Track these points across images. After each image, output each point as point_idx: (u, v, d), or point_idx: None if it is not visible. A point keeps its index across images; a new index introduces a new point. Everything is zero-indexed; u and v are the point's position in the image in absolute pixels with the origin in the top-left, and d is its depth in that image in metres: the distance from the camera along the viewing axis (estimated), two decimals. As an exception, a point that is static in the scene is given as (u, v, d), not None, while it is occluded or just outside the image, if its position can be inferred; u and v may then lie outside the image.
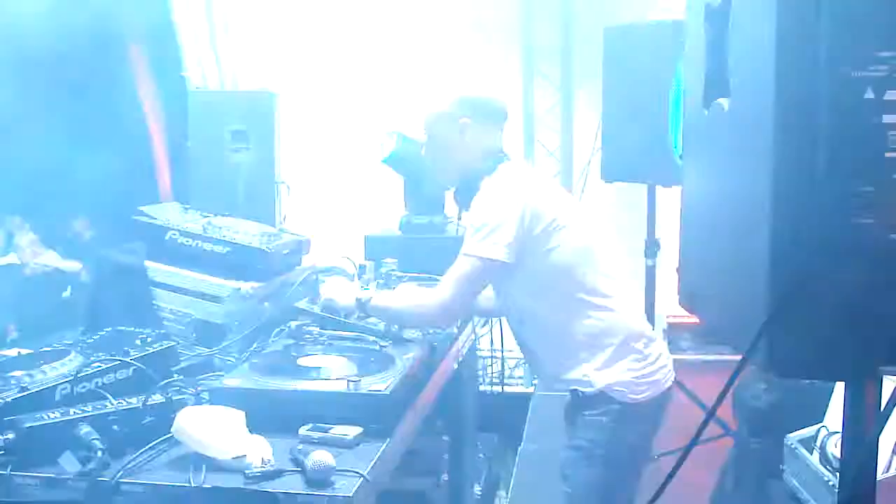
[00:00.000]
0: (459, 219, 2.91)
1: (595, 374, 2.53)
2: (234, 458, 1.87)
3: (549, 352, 2.63)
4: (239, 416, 2.00)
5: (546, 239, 2.54)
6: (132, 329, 2.49)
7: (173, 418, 1.96)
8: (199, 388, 2.23)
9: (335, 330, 2.68)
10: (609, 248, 2.71)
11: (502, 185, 2.60)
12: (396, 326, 2.69)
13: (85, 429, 1.91)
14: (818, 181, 1.11)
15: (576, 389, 2.56)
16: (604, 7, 4.90)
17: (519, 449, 3.64)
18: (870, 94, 1.08)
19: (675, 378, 2.68)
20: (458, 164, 2.73)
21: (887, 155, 1.09)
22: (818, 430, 2.89)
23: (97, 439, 1.88)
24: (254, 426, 1.99)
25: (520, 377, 5.00)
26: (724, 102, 1.34)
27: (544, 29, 5.20)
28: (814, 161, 1.11)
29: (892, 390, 1.23)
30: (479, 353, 4.29)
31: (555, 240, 2.55)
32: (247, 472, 1.84)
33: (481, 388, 4.30)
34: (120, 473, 1.86)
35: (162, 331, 2.54)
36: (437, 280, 3.03)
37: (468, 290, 2.59)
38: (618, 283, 2.66)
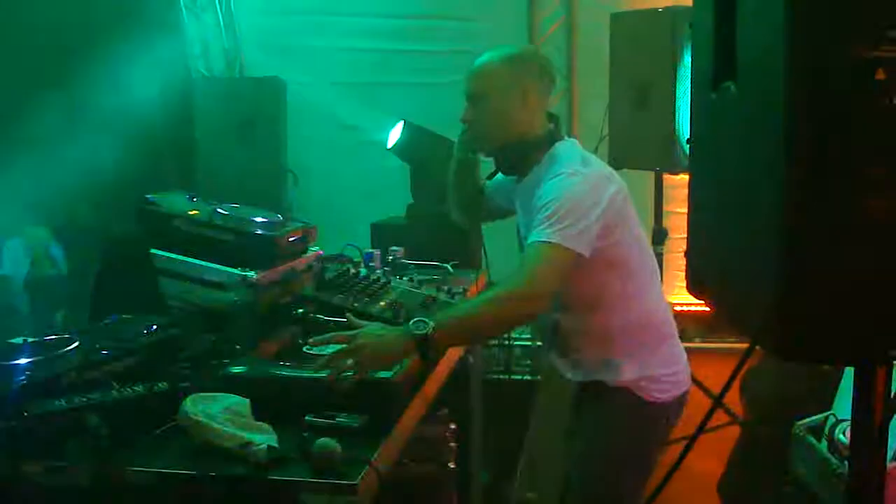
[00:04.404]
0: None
1: (626, 367, 2.46)
2: (239, 446, 1.87)
3: (585, 341, 2.52)
4: (244, 404, 2.00)
5: (613, 230, 2.37)
6: (138, 317, 2.49)
7: (179, 406, 1.96)
8: (204, 376, 2.22)
9: (341, 318, 2.67)
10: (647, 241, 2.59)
11: (587, 171, 2.39)
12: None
13: (90, 417, 1.90)
14: (829, 163, 1.10)
15: (601, 380, 2.50)
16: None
17: (526, 436, 3.64)
18: (881, 75, 1.07)
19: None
20: (514, 131, 2.50)
21: (899, 136, 1.08)
22: (827, 418, 2.88)
23: (103, 427, 1.88)
24: (259, 414, 1.99)
25: (526, 364, 5.00)
26: (732, 85, 1.33)
27: (549, 15, 5.17)
28: (824, 143, 1.10)
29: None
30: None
31: (619, 231, 2.40)
32: (252, 459, 1.84)
33: (488, 375, 4.30)
34: (125, 461, 1.86)
35: (167, 318, 2.53)
36: (444, 267, 3.02)
37: (556, 281, 2.29)
38: (657, 277, 2.60)
